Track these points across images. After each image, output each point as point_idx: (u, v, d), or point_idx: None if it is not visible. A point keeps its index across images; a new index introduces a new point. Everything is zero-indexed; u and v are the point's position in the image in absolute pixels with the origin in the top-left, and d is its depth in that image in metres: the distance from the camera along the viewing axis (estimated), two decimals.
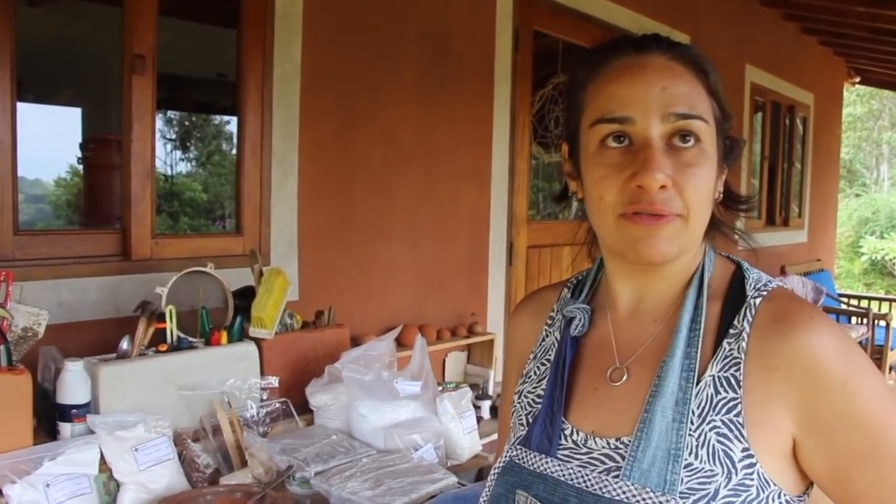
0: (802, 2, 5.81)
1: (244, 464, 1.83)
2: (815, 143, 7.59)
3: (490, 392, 3.16)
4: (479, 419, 2.60)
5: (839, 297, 7.33)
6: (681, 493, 0.76)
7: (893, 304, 7.47)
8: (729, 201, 0.91)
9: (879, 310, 6.93)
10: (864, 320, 6.35)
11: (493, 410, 2.90)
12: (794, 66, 6.80)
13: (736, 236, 0.95)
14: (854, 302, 7.34)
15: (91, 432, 1.72)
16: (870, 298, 7.57)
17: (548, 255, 3.92)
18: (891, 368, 6.66)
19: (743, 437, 0.77)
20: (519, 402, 0.96)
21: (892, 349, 6.39)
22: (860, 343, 6.12)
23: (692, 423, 0.79)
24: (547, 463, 0.86)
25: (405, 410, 2.08)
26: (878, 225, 14.62)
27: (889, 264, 13.46)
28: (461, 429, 2.16)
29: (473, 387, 3.15)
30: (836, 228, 9.08)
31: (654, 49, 0.84)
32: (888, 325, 6.42)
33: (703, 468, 0.77)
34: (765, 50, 6.22)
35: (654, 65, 0.83)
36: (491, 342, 3.31)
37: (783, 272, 6.63)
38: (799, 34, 6.83)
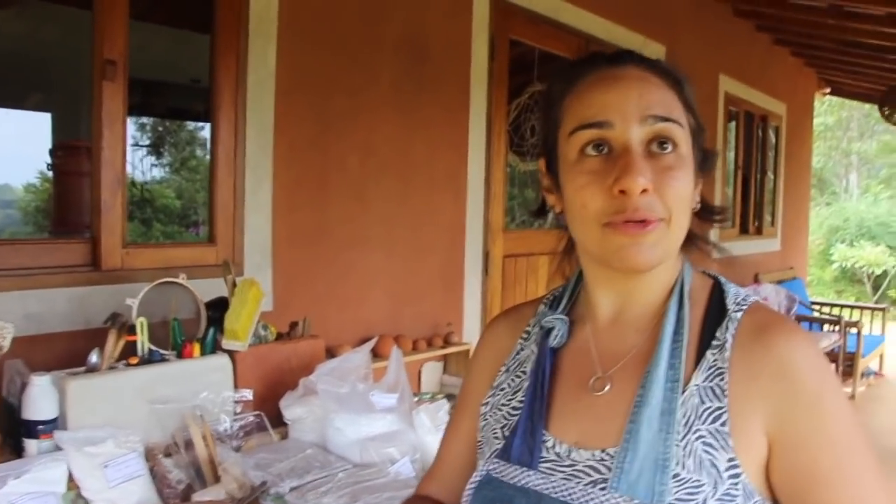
0: (774, 14, 5.88)
1: (217, 479, 1.79)
2: (787, 153, 7.68)
3: None
4: None
5: (811, 305, 7.41)
6: None
7: (864, 311, 7.58)
8: (704, 212, 0.92)
9: (850, 317, 7.01)
10: (837, 328, 6.42)
11: None
12: (766, 76, 6.88)
13: (710, 247, 0.95)
14: (826, 309, 7.42)
15: (58, 449, 1.67)
16: (841, 306, 7.67)
17: (524, 264, 3.91)
18: (862, 375, 6.75)
19: (728, 446, 0.77)
20: (491, 415, 0.95)
21: (863, 356, 6.48)
22: (832, 350, 6.19)
23: (678, 432, 0.78)
24: (528, 476, 0.85)
25: (381, 423, 2.05)
26: (847, 233, 14.81)
27: (859, 272, 13.65)
28: (438, 441, 2.13)
29: (450, 397, 3.12)
30: (808, 237, 9.18)
31: (629, 61, 0.87)
32: (859, 332, 6.51)
33: (690, 478, 0.76)
34: (738, 60, 6.28)
35: (629, 75, 0.85)
36: (467, 352, 3.29)
37: (757, 280, 6.68)
38: (771, 45, 6.90)
